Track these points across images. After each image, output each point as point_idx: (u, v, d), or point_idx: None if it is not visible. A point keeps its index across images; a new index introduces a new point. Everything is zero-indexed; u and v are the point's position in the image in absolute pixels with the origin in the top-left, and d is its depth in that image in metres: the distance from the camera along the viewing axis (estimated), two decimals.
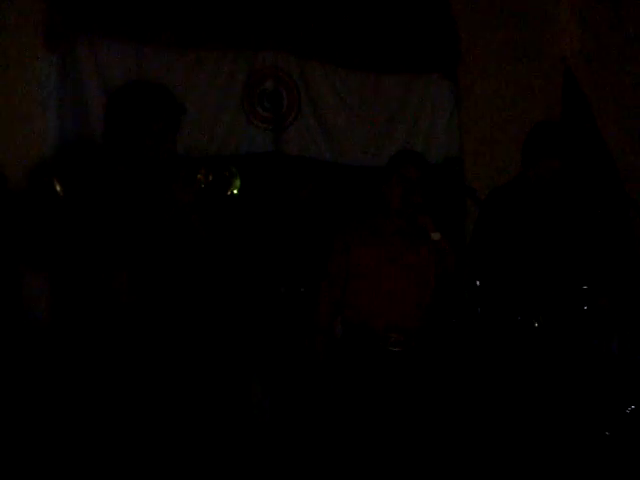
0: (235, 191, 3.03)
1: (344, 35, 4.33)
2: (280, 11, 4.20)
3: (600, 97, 4.69)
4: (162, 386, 2.99)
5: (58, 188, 3.03)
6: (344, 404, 3.19)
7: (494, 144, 4.51)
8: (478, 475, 3.43)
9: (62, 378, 3.23)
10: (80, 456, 2.98)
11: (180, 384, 3.04)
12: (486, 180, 4.00)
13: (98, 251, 2.87)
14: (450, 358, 3.61)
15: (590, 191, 4.60)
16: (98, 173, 2.96)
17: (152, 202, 2.89)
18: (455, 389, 3.59)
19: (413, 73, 4.52)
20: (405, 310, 3.19)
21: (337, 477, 3.17)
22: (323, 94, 4.38)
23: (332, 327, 3.31)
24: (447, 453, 3.44)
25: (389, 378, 3.16)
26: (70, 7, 3.83)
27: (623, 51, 4.62)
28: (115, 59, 3.96)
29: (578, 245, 3.70)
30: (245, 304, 3.87)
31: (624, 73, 4.67)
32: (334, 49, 4.33)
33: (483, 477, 3.42)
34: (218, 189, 3.01)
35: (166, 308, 2.97)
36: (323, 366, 3.25)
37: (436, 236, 3.19)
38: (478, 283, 3.51)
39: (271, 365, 3.82)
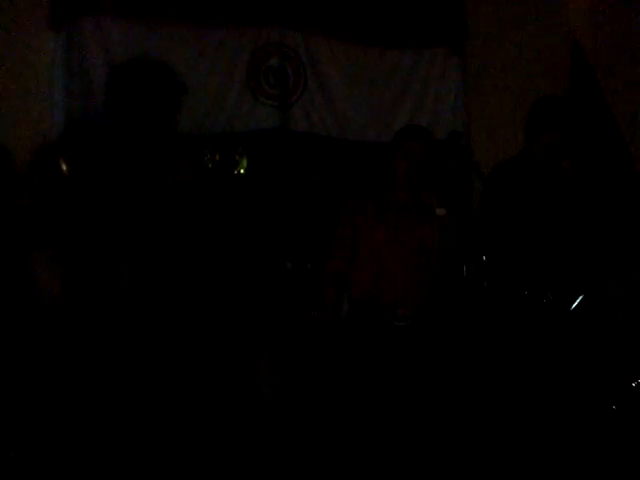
0: (242, 170, 3.06)
1: (349, 9, 4.32)
2: None
3: (608, 71, 4.64)
4: (168, 366, 3.03)
5: (64, 167, 3.05)
6: (351, 380, 3.20)
7: (501, 119, 4.50)
8: (485, 452, 3.45)
9: (69, 361, 3.27)
10: (89, 440, 3.03)
11: (186, 364, 3.07)
12: (493, 155, 3.98)
13: (100, 230, 2.90)
14: (456, 333, 3.61)
15: (599, 167, 4.58)
16: (101, 151, 2.98)
17: (152, 180, 2.92)
18: (461, 364, 3.60)
19: (420, 47, 4.51)
20: (410, 285, 3.19)
21: (345, 455, 3.20)
22: (329, 70, 4.38)
23: (339, 303, 3.32)
24: (454, 429, 3.46)
25: (395, 353, 3.16)
26: None
27: (631, 24, 4.58)
28: (120, 37, 3.97)
29: (584, 219, 3.69)
30: (251, 280, 3.89)
31: (632, 46, 4.62)
32: (339, 24, 4.32)
33: (490, 455, 3.44)
34: (225, 168, 3.03)
35: (169, 287, 2.99)
36: (331, 339, 3.27)
37: (441, 211, 3.19)
38: (484, 258, 3.52)
39: (278, 341, 3.84)
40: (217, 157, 3.07)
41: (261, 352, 3.87)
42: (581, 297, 3.41)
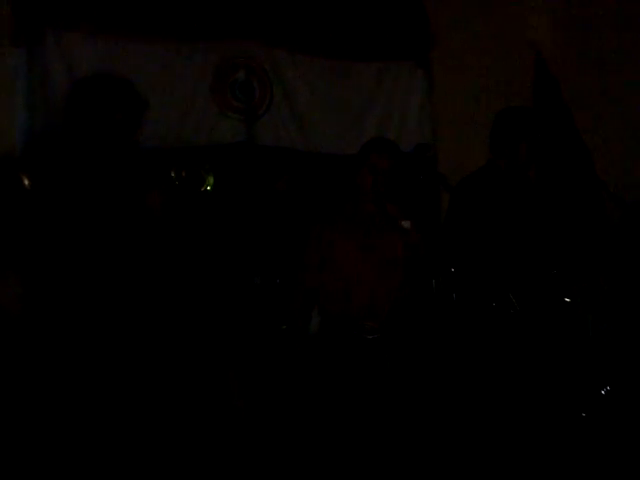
0: (209, 188, 3.04)
1: (314, 23, 4.33)
2: (248, 1, 4.18)
3: (570, 80, 4.71)
4: (139, 379, 3.00)
5: (26, 182, 3.02)
6: (321, 393, 3.20)
7: (467, 131, 4.52)
8: (459, 461, 3.45)
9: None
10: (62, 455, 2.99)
11: (156, 376, 3.05)
12: (459, 167, 3.99)
13: (61, 247, 2.88)
14: (426, 345, 3.61)
15: (563, 176, 4.63)
16: (61, 166, 2.96)
17: (114, 196, 2.90)
18: (432, 376, 3.60)
19: (385, 61, 4.52)
20: (378, 297, 3.20)
21: (320, 468, 3.18)
22: (294, 83, 4.37)
23: (309, 315, 3.31)
24: (427, 438, 3.45)
25: (364, 365, 3.17)
26: (35, 1, 3.80)
27: (592, 36, 4.66)
28: (83, 53, 3.92)
29: (550, 229, 3.72)
30: (220, 296, 3.86)
31: (593, 58, 4.70)
32: (304, 37, 4.32)
33: (465, 463, 3.44)
34: (192, 186, 3.02)
35: (134, 304, 2.97)
36: (300, 352, 3.26)
37: (406, 224, 3.20)
38: (453, 270, 3.52)
39: (247, 355, 3.81)
40: (183, 174, 3.04)
41: (229, 364, 3.83)
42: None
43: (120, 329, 2.92)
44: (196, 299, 3.62)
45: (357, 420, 3.14)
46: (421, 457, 3.33)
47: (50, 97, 3.85)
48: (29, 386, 3.20)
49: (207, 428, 3.55)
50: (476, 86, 4.64)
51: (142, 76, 3.96)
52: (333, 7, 4.38)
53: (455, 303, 3.49)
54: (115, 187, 2.94)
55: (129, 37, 4.00)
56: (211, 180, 3.06)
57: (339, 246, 3.25)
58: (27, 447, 3.10)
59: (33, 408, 3.09)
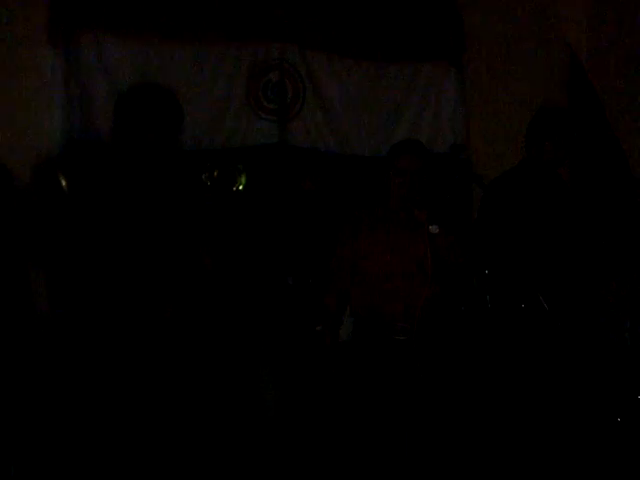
0: (241, 187, 3.06)
1: (348, 24, 4.32)
2: (283, 2, 4.20)
3: (606, 84, 4.67)
4: (168, 381, 3.02)
5: (63, 183, 3.06)
6: (352, 396, 3.19)
7: (500, 132, 4.50)
8: (485, 463, 3.43)
9: (65, 374, 3.26)
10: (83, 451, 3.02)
11: (187, 379, 3.07)
12: (493, 168, 3.97)
13: (99, 248, 2.92)
14: (458, 347, 3.59)
15: (598, 176, 4.59)
16: (105, 170, 3.02)
17: (154, 200, 2.97)
18: (462, 377, 3.58)
19: (418, 62, 4.51)
20: (409, 300, 3.17)
21: (344, 470, 3.18)
22: (327, 85, 4.37)
23: (341, 315, 3.30)
24: (454, 442, 3.43)
25: (396, 367, 3.14)
26: (73, 3, 3.84)
27: (629, 38, 4.60)
28: (119, 54, 3.96)
29: (584, 230, 3.70)
30: (253, 296, 3.87)
31: (630, 60, 4.65)
32: (338, 39, 4.32)
33: (489, 466, 3.42)
34: (224, 185, 3.04)
35: (172, 301, 2.99)
36: (334, 353, 3.24)
37: (434, 229, 3.14)
38: (487, 271, 3.50)
39: (280, 354, 3.82)
40: (216, 174, 3.06)
41: (262, 364, 3.84)
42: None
43: (160, 326, 2.95)
44: (230, 300, 3.62)
45: (386, 422, 3.13)
46: (453, 458, 3.32)
47: (86, 97, 3.89)
48: (57, 384, 3.24)
49: (238, 426, 3.57)
50: (509, 87, 4.61)
51: (176, 77, 4.01)
52: (366, 8, 4.37)
53: (489, 304, 3.48)
54: (158, 192, 3.01)
55: (163, 37, 4.03)
56: (243, 180, 3.07)
57: (369, 248, 3.23)
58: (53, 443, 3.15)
59: (65, 404, 3.14)
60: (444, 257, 3.19)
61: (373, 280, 3.21)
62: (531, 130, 3.62)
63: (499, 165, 3.92)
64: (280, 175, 4.20)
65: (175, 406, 3.04)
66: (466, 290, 3.52)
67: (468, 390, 3.54)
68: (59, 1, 3.83)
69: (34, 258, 3.39)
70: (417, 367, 3.16)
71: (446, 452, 3.27)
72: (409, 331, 3.15)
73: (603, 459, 3.43)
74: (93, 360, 3.00)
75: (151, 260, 2.97)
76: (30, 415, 3.21)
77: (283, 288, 3.96)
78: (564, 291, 3.46)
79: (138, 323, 2.97)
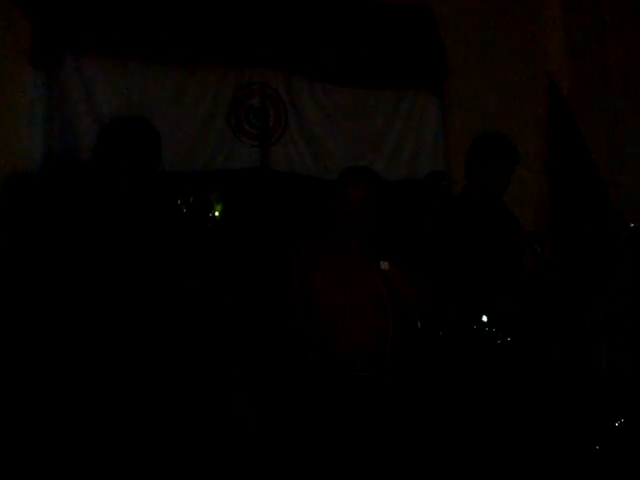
0: (217, 214, 3.04)
1: (331, 51, 4.34)
2: (267, 28, 4.22)
3: (587, 114, 4.72)
4: (151, 398, 3.02)
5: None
6: (315, 429, 3.07)
7: None
8: None
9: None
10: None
11: (166, 396, 3.06)
12: None
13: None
14: (426, 377, 3.53)
15: (579, 208, 4.62)
16: (83, 191, 3.07)
17: (128, 224, 3.04)
18: (433, 406, 3.53)
19: (400, 89, 4.53)
20: (367, 335, 3.05)
21: None
22: (310, 110, 4.38)
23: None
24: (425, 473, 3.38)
25: (356, 403, 3.04)
26: (56, 25, 3.84)
27: (609, 68, 4.67)
28: (101, 76, 3.96)
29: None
30: (231, 321, 3.86)
31: (611, 90, 4.71)
32: (320, 65, 4.34)
33: None
34: (199, 212, 3.03)
35: (149, 326, 3.00)
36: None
37: (384, 265, 3.00)
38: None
39: (257, 379, 3.79)
40: (191, 200, 3.06)
41: (239, 389, 3.82)
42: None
43: (139, 349, 2.99)
44: (207, 324, 3.61)
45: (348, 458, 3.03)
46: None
47: (68, 119, 3.88)
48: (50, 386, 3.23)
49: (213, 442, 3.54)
50: (490, 114, 4.64)
51: (158, 100, 4.03)
52: (349, 36, 4.40)
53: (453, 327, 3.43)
54: (133, 216, 3.10)
55: (146, 61, 4.04)
56: (219, 207, 3.06)
57: (321, 283, 3.10)
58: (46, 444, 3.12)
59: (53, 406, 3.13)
60: (400, 293, 3.07)
61: (328, 317, 3.08)
62: (474, 153, 3.63)
63: None
64: (261, 199, 4.20)
65: (156, 426, 3.04)
66: (444, 316, 3.48)
67: (436, 425, 3.47)
68: (42, 24, 3.83)
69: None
70: (379, 404, 3.05)
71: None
72: (369, 368, 3.04)
73: None
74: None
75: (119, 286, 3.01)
76: (30, 415, 3.21)
77: (266, 311, 3.94)
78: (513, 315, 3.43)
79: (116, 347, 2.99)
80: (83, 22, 3.90)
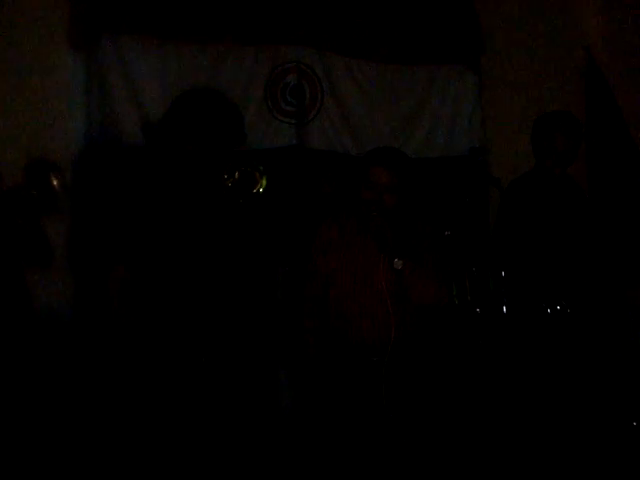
0: (261, 189, 3.06)
1: (366, 27, 4.33)
2: (301, 5, 4.21)
3: (624, 87, 4.66)
4: (187, 377, 3.06)
5: (55, 182, 3.10)
6: (334, 417, 3.04)
7: (518, 134, 4.47)
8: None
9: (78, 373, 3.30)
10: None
11: (205, 373, 3.10)
12: (510, 170, 3.98)
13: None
14: (454, 355, 3.52)
15: (617, 184, 4.58)
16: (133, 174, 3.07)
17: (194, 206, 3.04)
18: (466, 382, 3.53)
19: (436, 64, 4.50)
20: (385, 321, 2.94)
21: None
22: (345, 87, 4.38)
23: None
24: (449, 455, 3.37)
25: (372, 389, 2.96)
26: (93, 5, 3.88)
27: None
28: (139, 57, 3.99)
29: (599, 233, 3.69)
30: (271, 297, 3.88)
31: None
32: (356, 41, 4.33)
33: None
34: (244, 187, 3.05)
35: (197, 300, 3.03)
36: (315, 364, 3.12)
37: (398, 264, 2.86)
38: (503, 274, 3.49)
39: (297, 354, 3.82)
40: (236, 175, 3.07)
41: (280, 364, 3.85)
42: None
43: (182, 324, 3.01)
44: (249, 299, 3.63)
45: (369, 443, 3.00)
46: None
47: (108, 99, 3.92)
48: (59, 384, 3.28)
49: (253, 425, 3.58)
50: (527, 89, 4.60)
51: (195, 79, 4.04)
52: (384, 11, 4.38)
53: (506, 307, 3.46)
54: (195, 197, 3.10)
55: (182, 41, 4.06)
56: (264, 182, 3.07)
57: (336, 268, 3.00)
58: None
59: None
60: (413, 292, 2.94)
61: (345, 299, 2.99)
62: (539, 126, 3.69)
63: (517, 167, 3.93)
64: (298, 177, 4.21)
65: (192, 408, 3.07)
66: (482, 292, 3.49)
67: (475, 394, 3.49)
68: (80, 5, 3.87)
69: (30, 258, 3.41)
70: (396, 387, 2.96)
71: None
72: (384, 352, 2.94)
73: (618, 464, 3.43)
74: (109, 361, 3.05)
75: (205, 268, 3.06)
76: (30, 415, 3.24)
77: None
78: (584, 294, 3.45)
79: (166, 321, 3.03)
80: (120, 2, 3.93)
